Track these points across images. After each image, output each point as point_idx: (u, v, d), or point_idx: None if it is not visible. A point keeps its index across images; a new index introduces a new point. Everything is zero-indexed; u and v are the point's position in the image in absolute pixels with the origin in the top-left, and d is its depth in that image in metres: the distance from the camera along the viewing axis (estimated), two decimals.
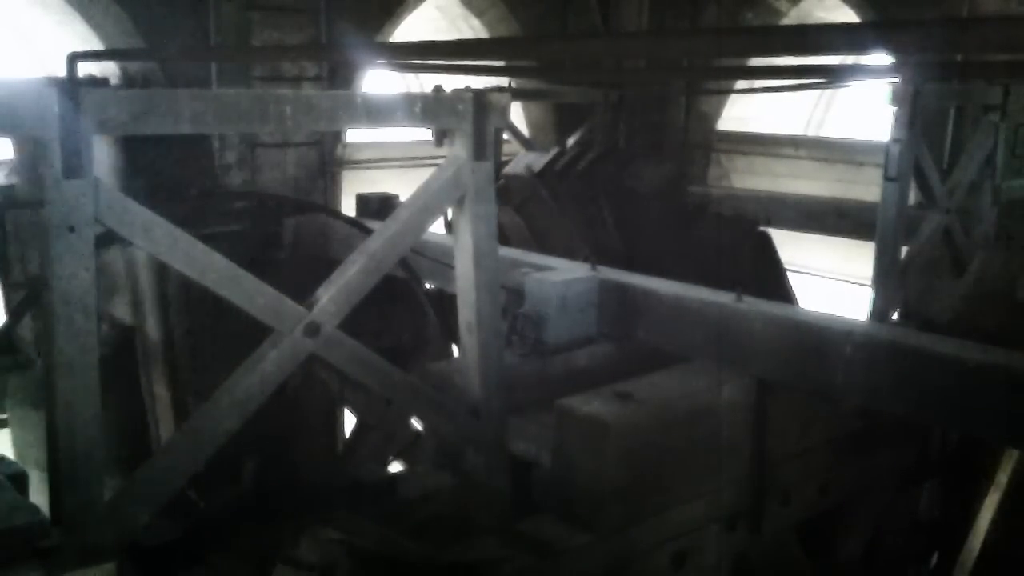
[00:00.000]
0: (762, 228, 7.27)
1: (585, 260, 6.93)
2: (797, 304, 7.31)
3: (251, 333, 3.47)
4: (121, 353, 5.56)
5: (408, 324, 6.43)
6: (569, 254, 6.83)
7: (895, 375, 3.91)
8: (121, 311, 5.22)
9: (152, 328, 5.23)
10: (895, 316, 6.52)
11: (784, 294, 7.26)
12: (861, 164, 9.85)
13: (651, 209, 7.16)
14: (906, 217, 6.39)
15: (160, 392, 5.33)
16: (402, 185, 7.29)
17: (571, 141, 9.61)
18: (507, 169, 8.05)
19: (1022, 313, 5.31)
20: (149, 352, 5.30)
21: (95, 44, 7.92)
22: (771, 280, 6.92)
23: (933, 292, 6.28)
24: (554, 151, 7.81)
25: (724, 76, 10.36)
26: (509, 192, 7.69)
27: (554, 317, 4.59)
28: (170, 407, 5.26)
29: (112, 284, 5.46)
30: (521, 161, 7.85)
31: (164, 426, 5.30)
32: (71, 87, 2.78)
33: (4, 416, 5.83)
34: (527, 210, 7.62)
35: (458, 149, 3.76)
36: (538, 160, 7.72)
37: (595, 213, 7.33)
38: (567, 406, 4.02)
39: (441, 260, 5.19)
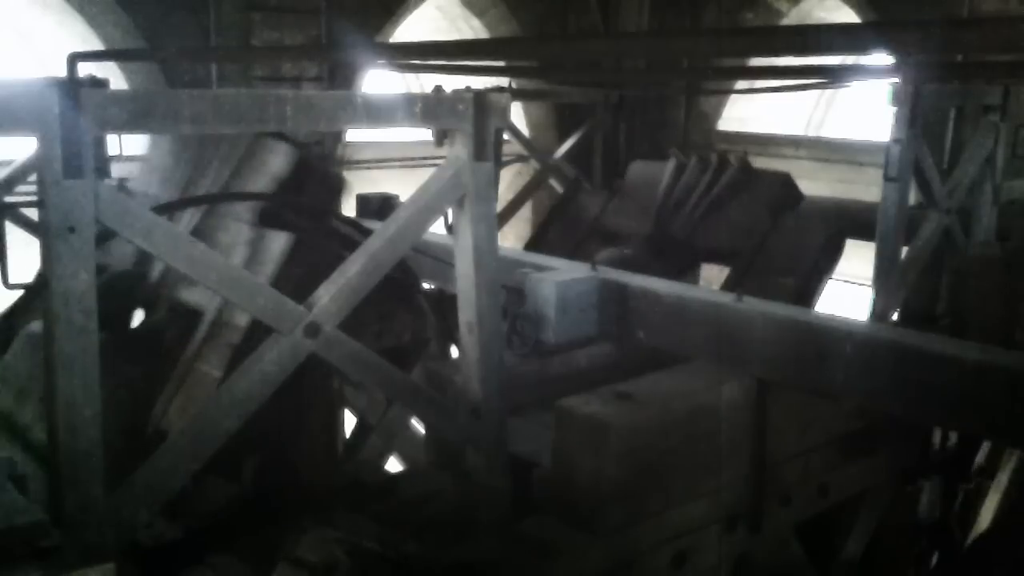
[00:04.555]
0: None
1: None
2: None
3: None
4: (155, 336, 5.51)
5: (408, 324, 6.43)
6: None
7: (895, 375, 3.91)
8: (199, 296, 5.19)
9: (238, 315, 5.19)
10: (895, 316, 6.52)
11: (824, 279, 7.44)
12: (861, 164, 9.85)
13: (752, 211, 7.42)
14: (906, 217, 6.39)
15: (207, 370, 5.28)
16: (402, 185, 7.28)
17: (558, 153, 9.73)
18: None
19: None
20: (216, 334, 5.24)
21: (95, 44, 7.91)
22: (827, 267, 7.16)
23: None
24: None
25: (724, 76, 10.36)
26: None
27: (554, 317, 4.60)
28: (213, 385, 5.22)
29: None
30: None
31: (183, 399, 5.24)
32: (71, 87, 2.78)
33: None
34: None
35: (458, 149, 3.76)
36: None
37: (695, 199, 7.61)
38: (567, 406, 4.02)
39: (442, 260, 5.19)
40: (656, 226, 7.63)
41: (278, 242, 4.67)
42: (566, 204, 8.76)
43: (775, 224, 7.24)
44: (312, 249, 4.75)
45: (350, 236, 5.08)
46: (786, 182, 7.59)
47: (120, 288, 4.85)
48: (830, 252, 7.19)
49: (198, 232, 4.67)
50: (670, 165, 7.88)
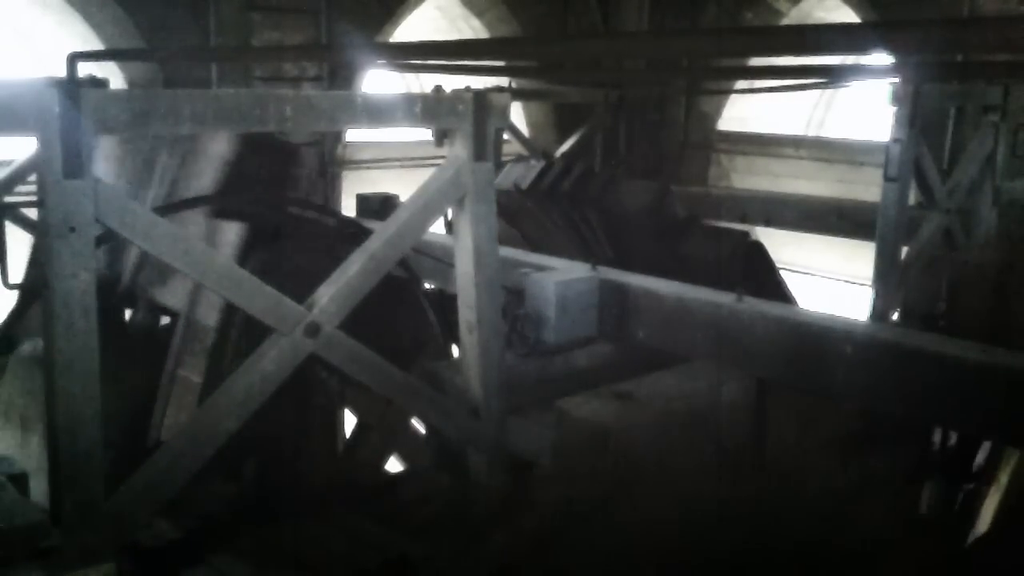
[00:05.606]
0: (754, 239, 7.12)
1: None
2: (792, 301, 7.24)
3: None
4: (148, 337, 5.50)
5: (408, 324, 6.42)
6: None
7: (895, 375, 3.91)
8: (170, 298, 5.18)
9: (206, 315, 5.15)
10: (895, 316, 6.52)
11: (777, 294, 7.18)
12: (861, 164, 9.85)
13: (637, 228, 7.08)
14: (906, 217, 6.39)
15: (189, 376, 5.26)
16: (402, 185, 7.27)
17: (558, 152, 9.59)
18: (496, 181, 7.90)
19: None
20: (192, 338, 5.22)
21: (95, 44, 7.91)
22: (767, 291, 6.85)
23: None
24: (540, 165, 7.72)
25: (724, 76, 10.35)
26: (498, 206, 7.55)
27: (554, 317, 4.59)
28: (196, 391, 5.20)
29: (165, 269, 5.38)
30: (508, 176, 7.76)
31: (175, 408, 5.22)
32: (71, 87, 2.78)
33: None
34: (518, 224, 7.55)
35: (458, 149, 3.76)
36: (525, 175, 7.61)
37: (586, 231, 7.24)
38: (567, 407, 4.02)
39: (441, 260, 5.19)
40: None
41: (231, 233, 4.73)
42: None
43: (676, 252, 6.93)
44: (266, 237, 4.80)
45: (306, 219, 5.07)
46: (658, 193, 7.17)
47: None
48: (757, 280, 6.92)
49: None
50: (531, 203, 7.35)
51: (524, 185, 7.35)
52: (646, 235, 7.04)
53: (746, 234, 7.09)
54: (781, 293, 7.03)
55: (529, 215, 7.44)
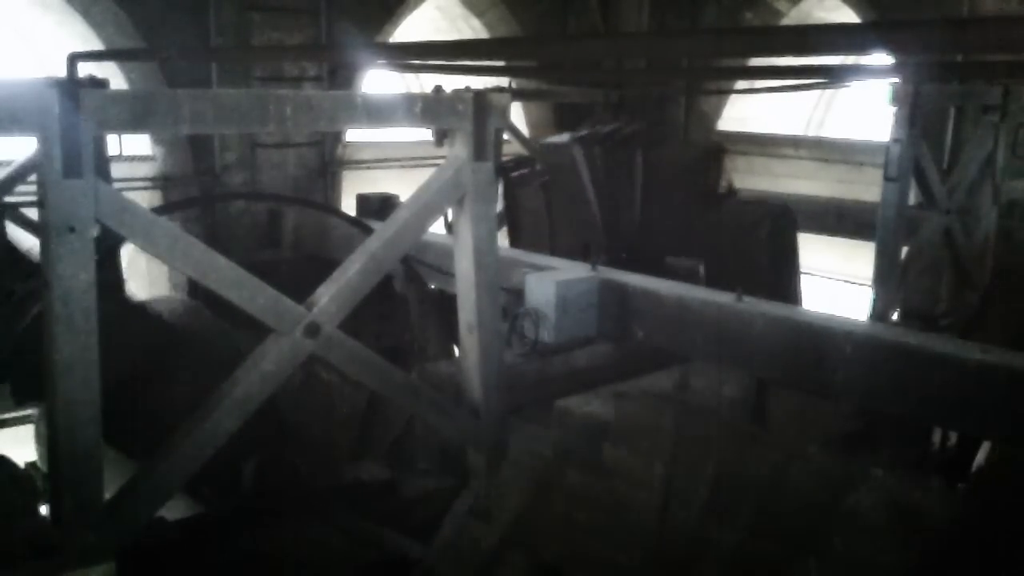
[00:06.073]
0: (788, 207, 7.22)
1: (597, 246, 6.96)
2: (800, 288, 7.27)
3: None
4: None
5: (408, 324, 6.43)
6: (586, 230, 7.06)
7: (895, 375, 3.91)
8: None
9: None
10: (895, 316, 6.52)
11: (792, 270, 7.22)
12: (861, 164, 9.84)
13: (677, 185, 7.21)
14: (906, 217, 6.39)
15: None
16: (402, 185, 7.27)
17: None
18: (550, 139, 8.19)
19: None
20: None
21: (95, 44, 7.91)
22: (781, 259, 6.91)
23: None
24: (601, 126, 7.90)
25: (724, 76, 10.35)
26: (541, 165, 7.84)
27: (554, 317, 4.59)
28: None
29: None
30: (566, 134, 7.98)
31: None
32: (71, 87, 2.78)
33: (7, 416, 5.82)
34: (556, 181, 7.69)
35: (458, 149, 3.76)
36: (582, 130, 7.87)
37: (623, 181, 7.36)
38: (567, 406, 4.02)
39: (441, 261, 5.20)
40: (608, 235, 7.43)
41: None
42: (516, 200, 8.47)
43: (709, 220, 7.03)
44: None
45: None
46: (699, 158, 7.34)
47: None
48: (780, 246, 6.97)
49: None
50: (577, 153, 7.54)
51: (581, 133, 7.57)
52: (684, 193, 7.17)
53: (784, 203, 7.15)
54: (793, 266, 7.08)
55: (569, 167, 7.55)
